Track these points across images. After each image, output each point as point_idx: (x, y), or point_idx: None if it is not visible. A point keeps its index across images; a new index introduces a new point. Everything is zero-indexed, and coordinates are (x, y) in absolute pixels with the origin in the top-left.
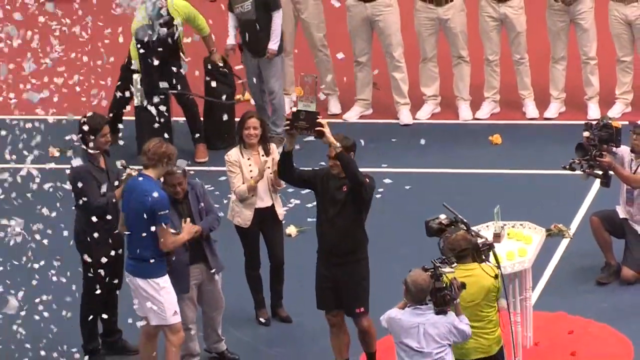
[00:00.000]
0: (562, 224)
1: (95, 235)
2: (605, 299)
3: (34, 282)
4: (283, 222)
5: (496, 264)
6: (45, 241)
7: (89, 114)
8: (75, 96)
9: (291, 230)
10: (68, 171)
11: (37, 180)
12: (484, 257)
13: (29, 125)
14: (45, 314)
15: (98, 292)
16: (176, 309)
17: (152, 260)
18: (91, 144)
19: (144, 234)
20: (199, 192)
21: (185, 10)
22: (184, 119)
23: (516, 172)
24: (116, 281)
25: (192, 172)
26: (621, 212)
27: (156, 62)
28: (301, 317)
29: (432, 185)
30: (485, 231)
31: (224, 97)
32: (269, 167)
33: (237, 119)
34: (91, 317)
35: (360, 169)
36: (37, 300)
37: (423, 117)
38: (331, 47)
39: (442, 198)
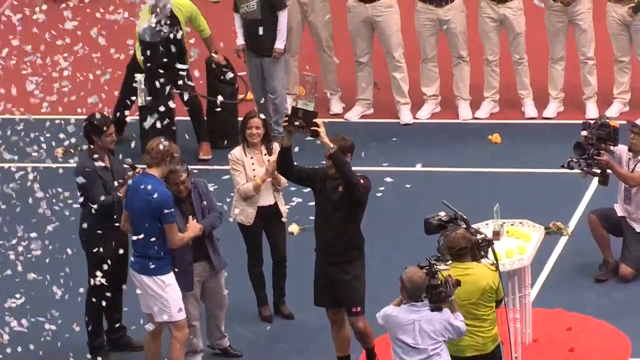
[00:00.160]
0: (561, 222)
1: (101, 233)
2: (603, 296)
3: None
4: (285, 220)
5: (495, 261)
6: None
7: (94, 113)
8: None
9: (293, 228)
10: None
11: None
12: (482, 253)
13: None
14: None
15: (104, 289)
16: (181, 306)
17: (157, 258)
18: (97, 143)
19: (150, 233)
20: (202, 190)
21: (189, 10)
22: (188, 118)
23: (515, 170)
24: (121, 278)
25: (195, 171)
26: (619, 210)
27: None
28: (303, 314)
29: (432, 184)
30: (485, 229)
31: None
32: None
33: (240, 119)
34: (96, 314)
35: (361, 168)
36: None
37: (423, 117)
38: (336, 48)
39: (442, 196)
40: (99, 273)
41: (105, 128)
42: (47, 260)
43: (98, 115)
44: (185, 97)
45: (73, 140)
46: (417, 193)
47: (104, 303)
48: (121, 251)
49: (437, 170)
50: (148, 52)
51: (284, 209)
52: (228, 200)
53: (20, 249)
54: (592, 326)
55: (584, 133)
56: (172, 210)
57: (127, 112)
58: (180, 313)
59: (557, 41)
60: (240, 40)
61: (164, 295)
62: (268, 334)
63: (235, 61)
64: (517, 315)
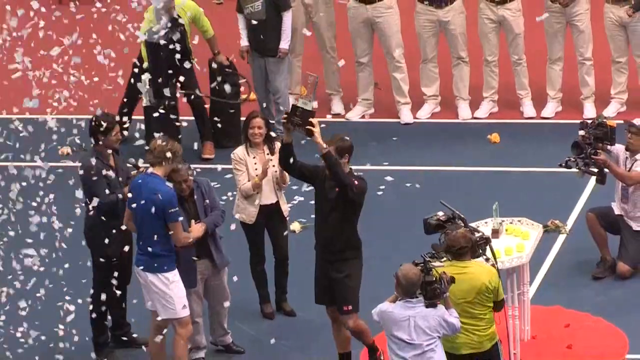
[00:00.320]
0: (559, 220)
1: (105, 231)
2: (601, 293)
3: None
4: (287, 218)
5: (493, 260)
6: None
7: (100, 112)
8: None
9: (295, 226)
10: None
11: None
12: (480, 251)
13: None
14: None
15: (109, 287)
16: (185, 303)
17: (161, 255)
18: (101, 142)
19: (154, 231)
20: (205, 189)
21: (193, 10)
22: (192, 117)
23: (514, 169)
24: (126, 276)
25: (198, 170)
26: (616, 209)
27: (165, 63)
28: (305, 311)
29: (432, 183)
30: (484, 227)
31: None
32: (273, 166)
33: (242, 119)
34: (101, 311)
35: (362, 167)
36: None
37: (423, 117)
38: (339, 49)
39: (441, 195)
40: (103, 271)
41: (110, 127)
42: (53, 256)
43: (103, 115)
44: (190, 97)
45: (77, 139)
46: (417, 192)
47: (106, 299)
48: (126, 249)
49: (437, 170)
50: (153, 53)
51: (285, 207)
52: (231, 198)
53: (26, 251)
54: (590, 323)
55: (582, 133)
56: (177, 209)
57: (131, 112)
58: (185, 310)
59: (555, 42)
60: (244, 42)
61: (168, 292)
62: (270, 330)
63: (239, 62)
64: (516, 313)
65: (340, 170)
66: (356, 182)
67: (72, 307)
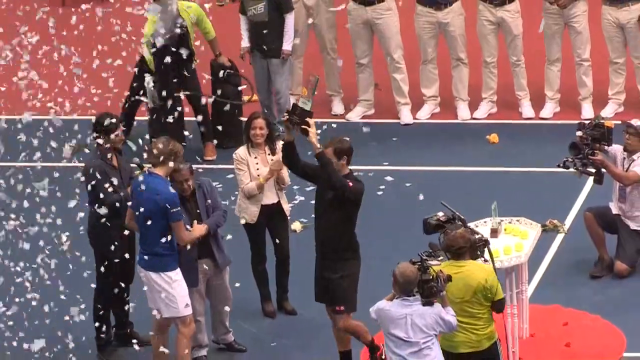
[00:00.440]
0: (557, 219)
1: (109, 231)
2: (599, 292)
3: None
4: (289, 217)
5: (491, 262)
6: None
7: (103, 113)
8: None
9: (296, 226)
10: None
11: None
12: (479, 253)
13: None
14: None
15: (112, 285)
16: (188, 302)
17: (163, 255)
18: (104, 143)
19: (156, 230)
20: (206, 189)
21: (196, 12)
22: (194, 118)
23: (513, 169)
24: (128, 275)
25: (200, 170)
26: (614, 209)
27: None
28: (306, 310)
29: (431, 183)
30: (483, 227)
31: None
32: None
33: (244, 119)
34: (104, 309)
35: (362, 167)
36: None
37: (423, 117)
38: (340, 50)
39: (441, 195)
40: (106, 270)
41: (113, 127)
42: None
43: (107, 115)
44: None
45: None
46: (417, 192)
47: (111, 298)
48: (128, 249)
49: (436, 170)
50: (157, 54)
51: (287, 207)
52: (232, 198)
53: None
54: (588, 322)
55: (579, 133)
56: (179, 208)
57: (135, 113)
58: (187, 308)
59: (554, 43)
60: (245, 43)
61: (171, 291)
62: (271, 329)
63: (241, 63)
64: (515, 311)
65: (332, 170)
66: (351, 183)
67: (74, 308)
